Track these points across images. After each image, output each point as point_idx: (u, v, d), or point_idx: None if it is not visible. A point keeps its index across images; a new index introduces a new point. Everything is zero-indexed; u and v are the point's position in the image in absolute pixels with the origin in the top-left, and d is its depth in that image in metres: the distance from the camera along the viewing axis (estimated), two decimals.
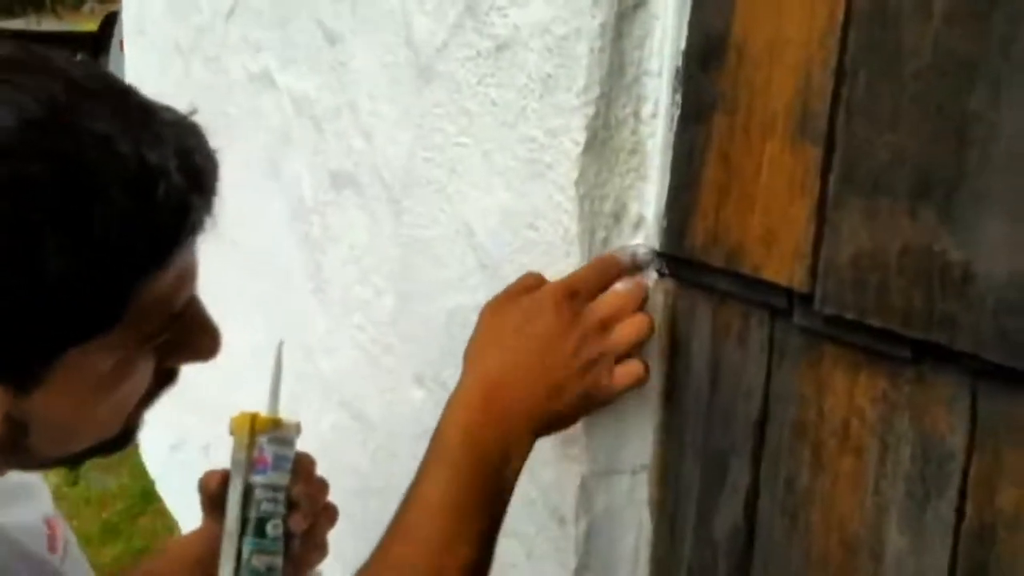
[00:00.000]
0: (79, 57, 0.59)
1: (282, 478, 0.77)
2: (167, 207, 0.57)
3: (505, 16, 0.90)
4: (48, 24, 13.23)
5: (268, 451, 0.76)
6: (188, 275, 0.62)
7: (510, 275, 0.92)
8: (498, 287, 0.94)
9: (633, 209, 0.84)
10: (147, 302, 0.58)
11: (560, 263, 0.85)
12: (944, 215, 0.58)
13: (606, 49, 0.80)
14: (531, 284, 0.81)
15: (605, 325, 0.77)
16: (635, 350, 0.78)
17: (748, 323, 0.74)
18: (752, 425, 0.74)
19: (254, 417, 0.77)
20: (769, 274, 0.70)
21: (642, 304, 0.80)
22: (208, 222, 0.61)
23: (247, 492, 0.75)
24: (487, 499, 0.73)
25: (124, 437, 0.65)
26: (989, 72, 0.56)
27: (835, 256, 0.65)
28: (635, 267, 0.82)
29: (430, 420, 0.92)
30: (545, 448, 0.87)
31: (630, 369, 0.77)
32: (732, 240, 0.74)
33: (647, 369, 0.79)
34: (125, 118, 0.56)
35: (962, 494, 0.58)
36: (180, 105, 0.61)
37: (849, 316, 0.63)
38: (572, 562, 0.87)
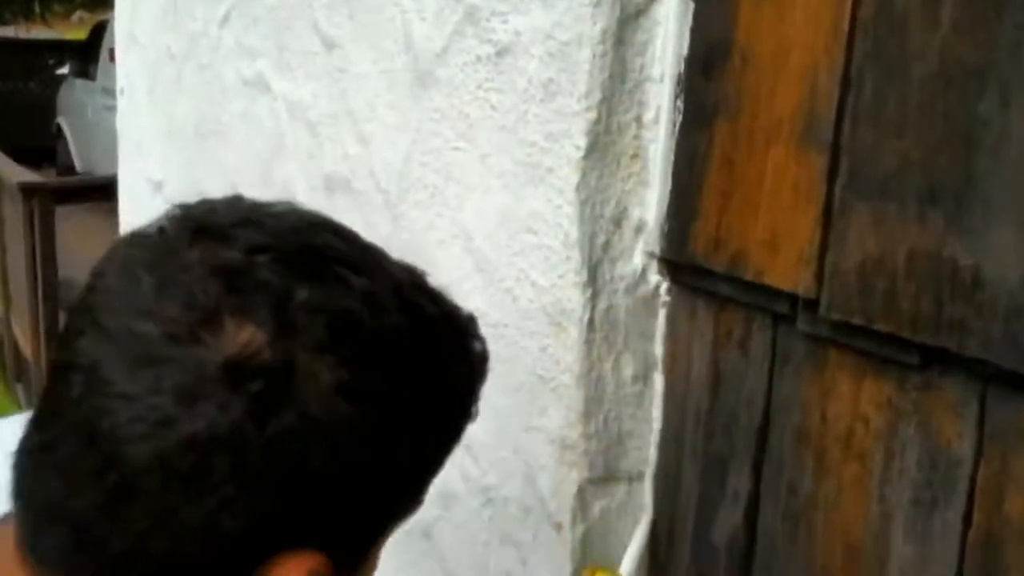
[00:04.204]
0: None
1: None
2: (478, 363, 0.56)
3: (506, 22, 0.89)
4: (37, 32, 13.18)
5: None
6: None
7: (507, 279, 0.92)
8: (494, 291, 0.94)
9: (634, 214, 0.83)
10: None
11: (560, 267, 0.84)
12: (953, 220, 0.58)
13: (608, 55, 0.80)
14: None
15: None
16: None
17: (750, 329, 0.74)
18: (754, 431, 0.73)
19: None
20: (773, 280, 0.70)
21: None
22: None
23: None
24: None
25: None
26: (998, 78, 0.56)
27: (841, 261, 0.64)
28: None
29: None
30: (542, 454, 0.87)
31: None
32: (735, 245, 0.73)
33: None
34: (423, 290, 0.55)
35: (970, 501, 0.58)
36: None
37: (856, 321, 0.63)
38: (568, 570, 0.86)
